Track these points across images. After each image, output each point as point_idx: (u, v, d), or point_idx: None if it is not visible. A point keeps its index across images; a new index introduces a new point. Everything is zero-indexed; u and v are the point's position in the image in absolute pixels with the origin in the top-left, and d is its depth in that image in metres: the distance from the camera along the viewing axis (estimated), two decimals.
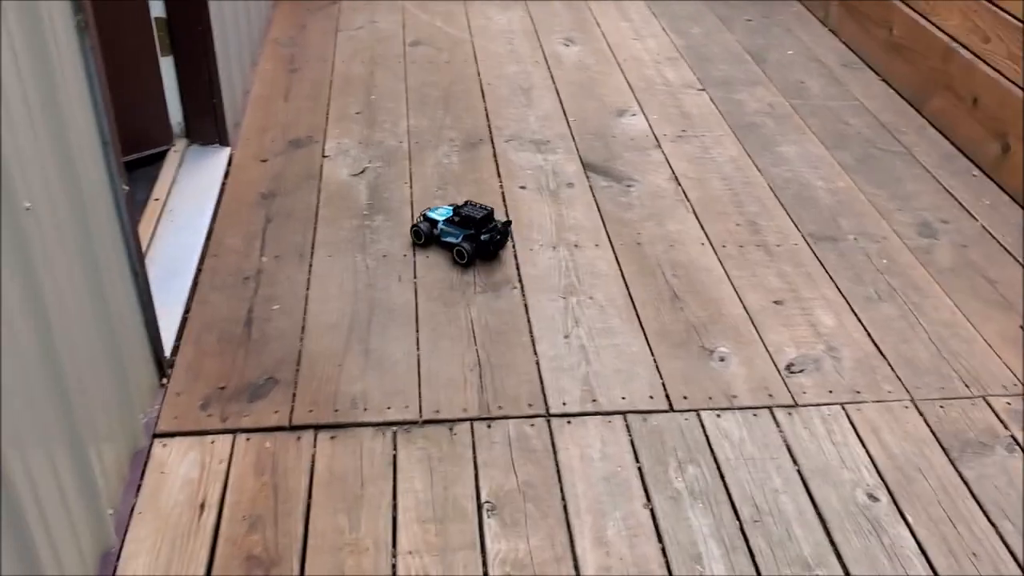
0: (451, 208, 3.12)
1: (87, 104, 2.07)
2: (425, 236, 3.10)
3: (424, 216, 3.14)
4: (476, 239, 3.01)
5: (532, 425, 2.44)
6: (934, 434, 2.45)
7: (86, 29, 2.04)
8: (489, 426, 2.43)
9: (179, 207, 3.22)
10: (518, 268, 3.03)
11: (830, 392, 2.58)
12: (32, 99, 1.76)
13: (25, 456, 1.63)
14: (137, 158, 3.32)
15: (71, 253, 1.91)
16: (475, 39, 4.76)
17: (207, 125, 3.53)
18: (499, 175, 3.57)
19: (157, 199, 3.21)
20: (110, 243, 2.16)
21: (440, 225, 3.08)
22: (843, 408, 2.53)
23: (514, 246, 3.14)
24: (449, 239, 3.06)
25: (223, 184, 3.40)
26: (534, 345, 2.71)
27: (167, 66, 3.41)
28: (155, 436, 2.36)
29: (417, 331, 2.75)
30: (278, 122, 3.87)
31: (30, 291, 1.69)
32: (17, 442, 1.59)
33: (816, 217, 3.36)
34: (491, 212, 3.08)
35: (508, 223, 3.12)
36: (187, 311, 2.78)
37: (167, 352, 2.55)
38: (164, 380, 2.51)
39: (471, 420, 2.45)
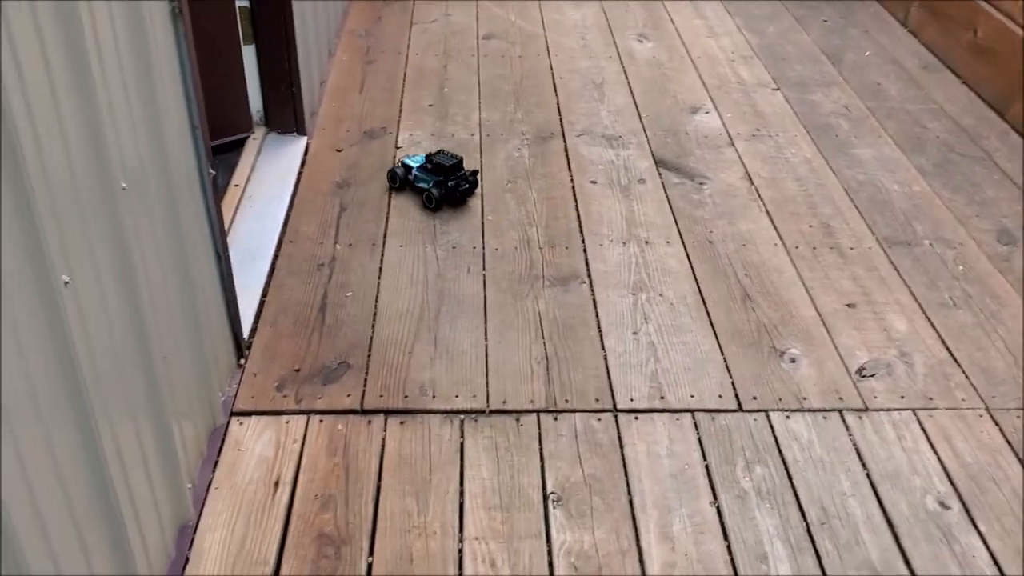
0: (425, 156, 3.36)
1: (179, 89, 2.13)
2: (400, 180, 3.37)
3: (401, 163, 3.39)
4: (445, 185, 3.25)
5: (599, 419, 2.45)
6: (1010, 444, 2.41)
7: (180, 16, 2.10)
8: (556, 418, 2.45)
9: (258, 193, 3.29)
10: (587, 263, 3.05)
11: (902, 398, 2.55)
12: (130, 83, 1.82)
13: (113, 426, 1.69)
14: (218, 144, 3.39)
15: (160, 234, 1.97)
16: (548, 33, 4.77)
17: (286, 114, 3.60)
18: (570, 169, 3.58)
19: (237, 185, 3.29)
20: (196, 226, 2.23)
21: (414, 171, 3.33)
22: (915, 414, 2.50)
23: (583, 240, 3.15)
24: (421, 184, 3.31)
25: (300, 172, 3.46)
26: (602, 340, 2.72)
27: (249, 55, 3.48)
28: (232, 414, 2.42)
29: (485, 322, 2.78)
30: (353, 113, 3.93)
31: (123, 269, 1.75)
32: (107, 413, 1.65)
33: (891, 221, 3.32)
34: (460, 161, 3.32)
35: (476, 172, 3.36)
36: (264, 295, 2.84)
37: (245, 333, 2.62)
38: (242, 360, 2.57)
39: (538, 412, 2.47)
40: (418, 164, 3.33)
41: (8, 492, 1.28)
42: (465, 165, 3.36)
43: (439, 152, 3.35)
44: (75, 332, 1.50)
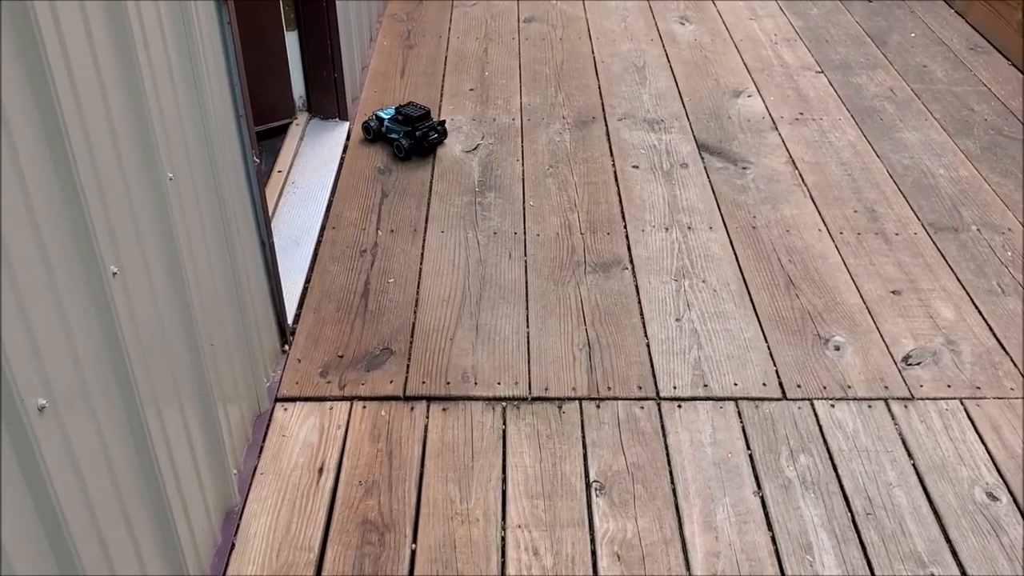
0: (395, 108, 3.54)
1: (223, 77, 2.14)
2: (374, 132, 3.55)
3: (375, 115, 3.57)
4: (413, 135, 3.43)
5: (642, 407, 2.45)
6: None
7: (224, 2, 2.11)
8: (598, 406, 2.45)
9: (301, 179, 3.30)
10: (629, 249, 3.03)
11: (948, 386, 2.52)
12: (176, 73, 1.83)
13: (160, 412, 1.71)
14: (261, 131, 3.41)
15: (206, 223, 1.99)
16: (589, 16, 4.74)
17: (328, 100, 3.61)
18: (611, 154, 3.56)
19: (280, 171, 3.30)
20: (241, 213, 2.24)
21: (386, 123, 3.52)
22: (962, 403, 2.47)
23: (625, 226, 3.13)
24: (392, 135, 3.49)
25: (342, 158, 3.48)
26: (644, 327, 2.71)
27: (292, 41, 3.49)
28: (277, 400, 2.44)
29: (527, 308, 2.78)
30: (395, 98, 3.93)
31: (170, 258, 1.77)
32: (154, 399, 1.67)
33: (937, 206, 3.27)
34: (428, 112, 3.52)
35: (443, 122, 3.58)
36: (308, 281, 2.86)
37: (289, 319, 2.64)
38: (286, 346, 2.60)
39: (580, 399, 2.47)
40: (389, 116, 3.52)
41: (57, 476, 1.30)
42: (433, 116, 3.60)
43: (408, 104, 3.55)
44: (123, 321, 1.52)
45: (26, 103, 1.26)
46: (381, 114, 3.55)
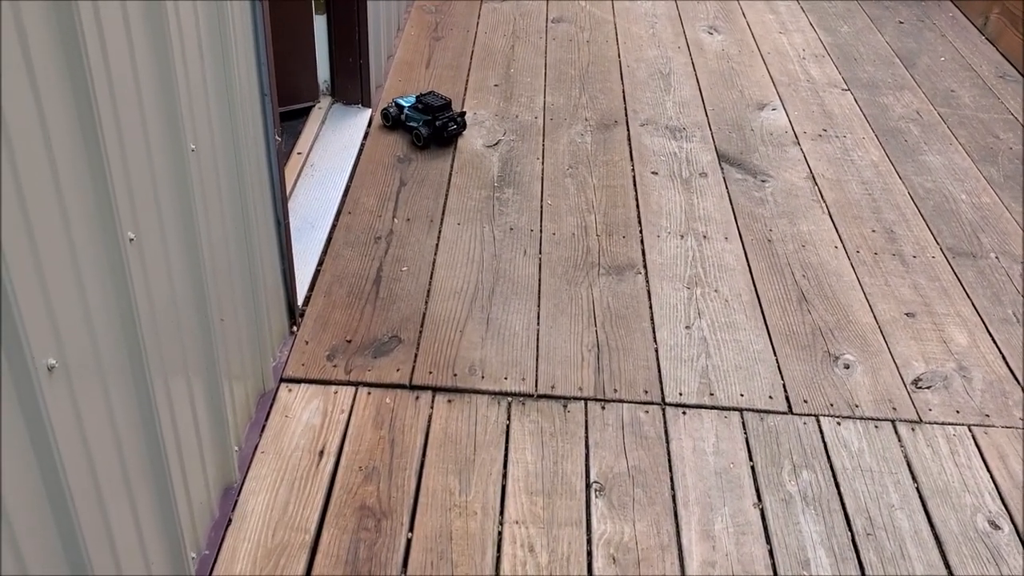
0: (415, 96, 3.55)
1: (251, 55, 2.14)
2: (393, 119, 3.55)
3: (394, 102, 3.57)
4: (433, 124, 3.42)
5: (646, 411, 2.44)
6: None
7: None
8: (603, 407, 2.44)
9: (320, 162, 3.30)
10: (644, 254, 3.02)
11: (957, 412, 2.50)
12: (205, 47, 1.83)
13: (168, 384, 1.71)
14: (284, 112, 3.41)
15: (224, 197, 1.99)
16: (618, 20, 4.73)
17: (352, 85, 3.61)
18: (631, 158, 3.55)
19: (300, 153, 3.30)
20: (258, 190, 2.24)
21: (406, 110, 3.52)
22: (970, 430, 2.45)
23: (641, 231, 3.12)
24: (411, 123, 3.49)
25: (362, 144, 3.48)
26: (654, 332, 2.70)
27: (320, 25, 3.49)
28: (282, 380, 2.44)
29: (538, 306, 2.77)
30: (418, 88, 3.92)
31: (187, 229, 1.76)
32: (162, 370, 1.67)
33: (956, 231, 3.25)
34: (449, 102, 3.50)
35: (463, 113, 3.55)
36: (320, 263, 2.86)
37: (299, 301, 2.63)
38: (294, 328, 2.59)
39: (585, 399, 2.46)
40: (409, 104, 3.51)
41: (62, 437, 1.29)
42: (454, 107, 3.58)
43: (429, 93, 3.55)
44: (137, 288, 1.52)
45: (58, 67, 1.26)
46: (401, 101, 3.55)
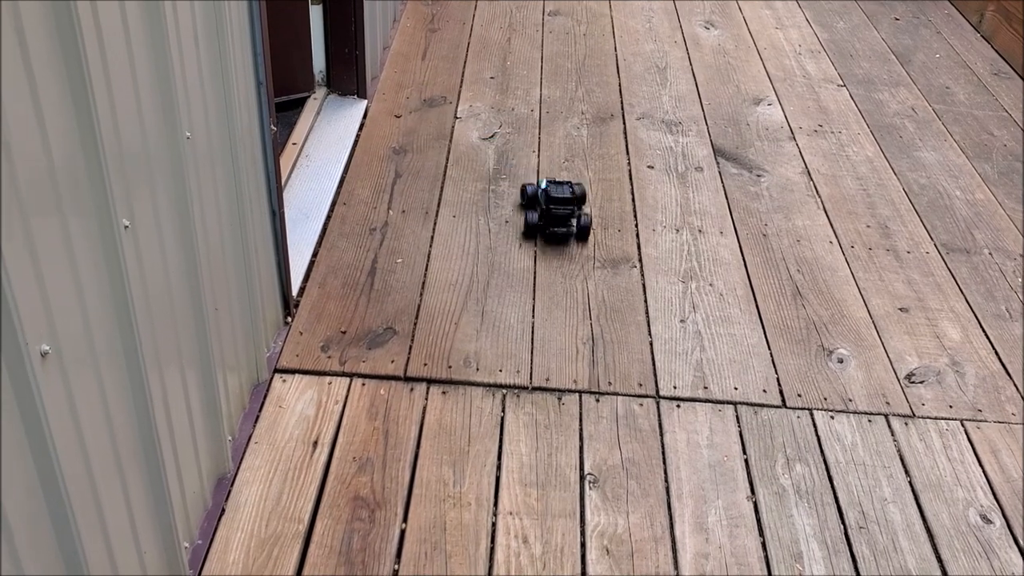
0: (547, 181, 3.03)
1: (247, 44, 2.13)
2: (528, 199, 3.07)
3: (543, 185, 3.03)
4: (545, 220, 2.94)
5: (641, 404, 2.44)
6: None
7: None
8: (597, 400, 2.44)
9: (315, 153, 3.30)
10: (639, 247, 3.02)
11: (950, 407, 2.51)
12: (201, 35, 1.82)
13: (162, 372, 1.70)
14: (280, 102, 3.40)
15: (219, 186, 1.98)
16: (614, 14, 4.72)
17: (348, 76, 3.60)
18: (627, 152, 3.55)
19: (295, 143, 3.29)
20: (254, 180, 2.23)
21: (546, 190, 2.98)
22: (962, 425, 2.46)
23: (636, 224, 3.12)
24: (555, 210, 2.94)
25: (357, 135, 3.47)
26: (649, 326, 2.70)
27: (316, 15, 3.48)
28: (276, 371, 2.43)
29: (533, 298, 2.77)
30: (414, 80, 3.92)
31: (182, 217, 1.76)
32: (156, 358, 1.67)
33: (951, 227, 3.26)
34: (579, 196, 3.00)
35: (587, 213, 3.03)
36: (315, 254, 2.85)
37: (294, 291, 2.63)
38: (289, 318, 2.59)
39: (580, 392, 2.46)
40: (542, 189, 3.02)
41: (56, 423, 1.29)
42: (585, 204, 3.08)
43: (565, 182, 3.02)
44: (132, 276, 1.52)
45: (53, 51, 1.25)
46: (543, 184, 3.04)
